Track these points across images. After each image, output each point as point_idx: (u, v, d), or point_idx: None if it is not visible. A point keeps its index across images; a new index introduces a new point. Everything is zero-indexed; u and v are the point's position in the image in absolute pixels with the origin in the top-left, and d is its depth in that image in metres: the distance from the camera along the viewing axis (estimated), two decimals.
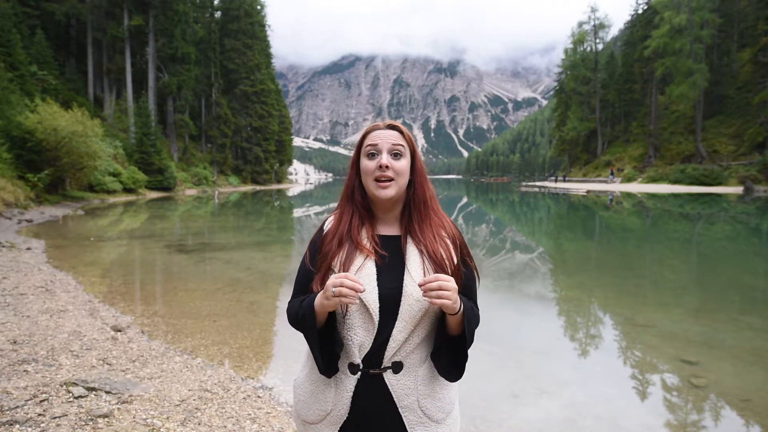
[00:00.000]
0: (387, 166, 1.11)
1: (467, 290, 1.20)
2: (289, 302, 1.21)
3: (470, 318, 1.13)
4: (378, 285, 1.10)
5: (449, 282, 1.02)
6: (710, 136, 42.62)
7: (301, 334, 1.16)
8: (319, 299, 1.07)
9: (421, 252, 1.13)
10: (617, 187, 42.20)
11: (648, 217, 18.50)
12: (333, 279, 1.02)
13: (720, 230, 13.95)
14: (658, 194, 31.78)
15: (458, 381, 1.19)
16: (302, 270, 1.20)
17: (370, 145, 1.14)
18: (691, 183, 37.06)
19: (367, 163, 1.14)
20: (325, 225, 1.22)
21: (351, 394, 1.11)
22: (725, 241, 12.02)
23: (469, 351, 1.16)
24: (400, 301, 1.09)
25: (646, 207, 22.83)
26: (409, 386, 1.12)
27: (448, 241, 1.17)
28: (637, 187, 39.76)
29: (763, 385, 3.54)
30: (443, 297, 1.01)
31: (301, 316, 1.12)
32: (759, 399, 3.32)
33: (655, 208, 22.18)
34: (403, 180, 1.15)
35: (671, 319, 5.27)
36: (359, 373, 1.11)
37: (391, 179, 1.12)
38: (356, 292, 1.00)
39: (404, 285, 1.10)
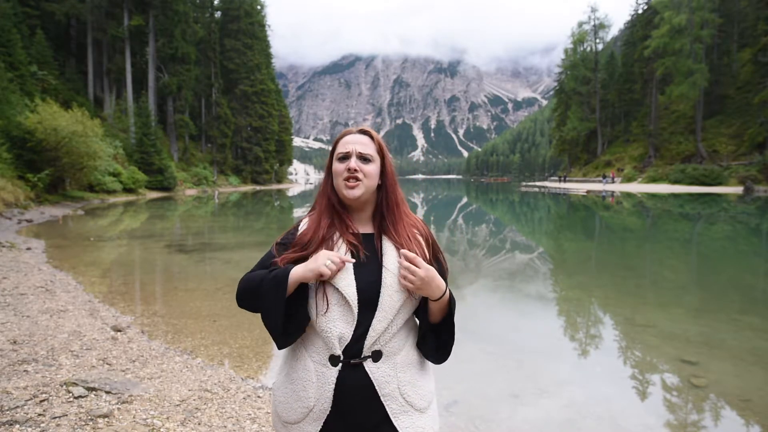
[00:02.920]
0: (355, 169, 1.19)
1: None
2: (245, 275, 1.23)
3: (453, 304, 1.21)
4: (356, 279, 1.15)
5: (420, 268, 1.11)
6: (710, 136, 42.62)
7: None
8: (301, 268, 1.13)
9: (396, 248, 1.19)
10: (617, 187, 42.22)
11: (648, 217, 18.49)
12: (328, 254, 1.12)
13: (720, 230, 13.95)
14: (658, 194, 31.77)
15: (443, 364, 1.26)
16: (265, 255, 1.24)
17: (341, 151, 1.22)
18: (691, 183, 37.06)
19: (337, 166, 1.22)
20: (301, 225, 1.26)
21: (333, 386, 1.12)
22: (725, 241, 12.02)
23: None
24: (378, 293, 1.14)
25: (646, 207, 22.82)
26: (389, 373, 1.15)
27: (420, 238, 1.25)
28: (637, 187, 39.75)
29: (763, 385, 3.54)
30: (409, 279, 1.11)
31: (271, 277, 1.14)
32: (759, 399, 3.32)
33: (655, 208, 22.17)
34: (371, 182, 1.21)
35: (671, 319, 5.27)
36: (340, 364, 1.13)
37: (358, 180, 1.19)
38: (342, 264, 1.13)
39: (383, 278, 1.15)
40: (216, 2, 56.92)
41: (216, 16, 56.69)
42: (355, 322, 1.13)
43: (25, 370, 3.22)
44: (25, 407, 2.66)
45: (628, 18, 62.52)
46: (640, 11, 56.28)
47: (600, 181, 47.40)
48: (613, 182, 46.21)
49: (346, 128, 1.27)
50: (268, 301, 1.14)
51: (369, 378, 1.14)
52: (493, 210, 23.93)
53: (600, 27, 61.18)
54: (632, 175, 46.39)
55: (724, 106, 44.02)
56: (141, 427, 2.56)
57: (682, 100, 42.43)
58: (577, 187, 44.35)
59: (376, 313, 1.13)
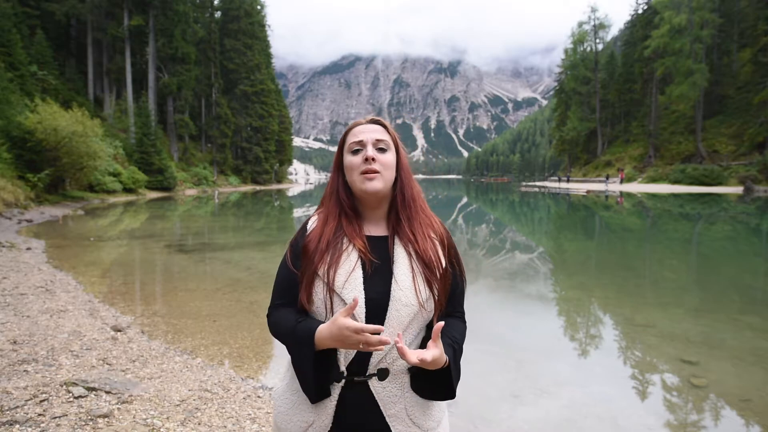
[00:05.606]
0: (373, 159, 1.07)
1: (453, 296, 1.13)
2: (272, 311, 1.13)
3: (456, 370, 1.07)
4: (365, 290, 1.04)
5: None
6: (710, 136, 42.64)
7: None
8: (327, 337, 0.98)
9: (409, 254, 1.08)
10: (617, 187, 42.23)
11: (648, 217, 18.49)
12: (348, 327, 0.94)
13: (720, 230, 13.95)
14: (658, 194, 31.78)
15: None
16: (284, 274, 1.12)
17: (354, 141, 1.10)
18: (691, 183, 37.10)
19: (351, 159, 1.10)
20: (309, 225, 1.15)
21: (335, 403, 1.05)
22: (725, 241, 12.02)
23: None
24: (387, 306, 1.04)
25: (646, 207, 22.83)
26: (396, 393, 1.06)
27: (437, 242, 1.12)
28: (637, 187, 39.78)
29: (763, 385, 3.54)
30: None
31: (296, 341, 1.05)
32: (759, 399, 3.32)
33: (655, 208, 22.18)
34: (390, 174, 1.10)
35: (671, 319, 5.27)
36: (343, 380, 1.05)
37: (377, 172, 1.07)
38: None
39: (392, 290, 1.05)
40: (216, 2, 56.95)
41: (216, 16, 56.72)
42: None
43: (25, 370, 3.22)
44: (25, 407, 2.66)
45: (628, 18, 62.61)
46: (640, 11, 56.36)
47: (602, 182, 47.45)
48: (621, 183, 46.16)
49: (355, 120, 1.14)
50: (297, 363, 1.06)
51: (373, 397, 1.05)
52: (493, 210, 23.93)
53: (600, 27, 61.27)
54: (632, 175, 46.42)
55: (724, 106, 44.06)
56: (141, 427, 2.56)
57: (682, 100, 42.45)
58: (578, 187, 44.35)
59: (384, 329, 1.02)
